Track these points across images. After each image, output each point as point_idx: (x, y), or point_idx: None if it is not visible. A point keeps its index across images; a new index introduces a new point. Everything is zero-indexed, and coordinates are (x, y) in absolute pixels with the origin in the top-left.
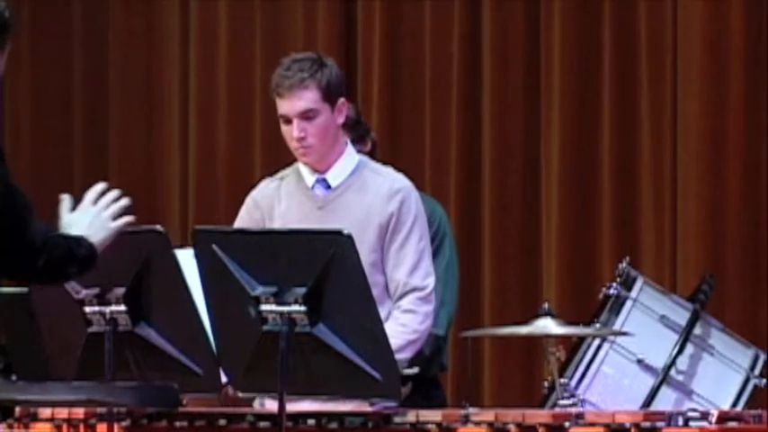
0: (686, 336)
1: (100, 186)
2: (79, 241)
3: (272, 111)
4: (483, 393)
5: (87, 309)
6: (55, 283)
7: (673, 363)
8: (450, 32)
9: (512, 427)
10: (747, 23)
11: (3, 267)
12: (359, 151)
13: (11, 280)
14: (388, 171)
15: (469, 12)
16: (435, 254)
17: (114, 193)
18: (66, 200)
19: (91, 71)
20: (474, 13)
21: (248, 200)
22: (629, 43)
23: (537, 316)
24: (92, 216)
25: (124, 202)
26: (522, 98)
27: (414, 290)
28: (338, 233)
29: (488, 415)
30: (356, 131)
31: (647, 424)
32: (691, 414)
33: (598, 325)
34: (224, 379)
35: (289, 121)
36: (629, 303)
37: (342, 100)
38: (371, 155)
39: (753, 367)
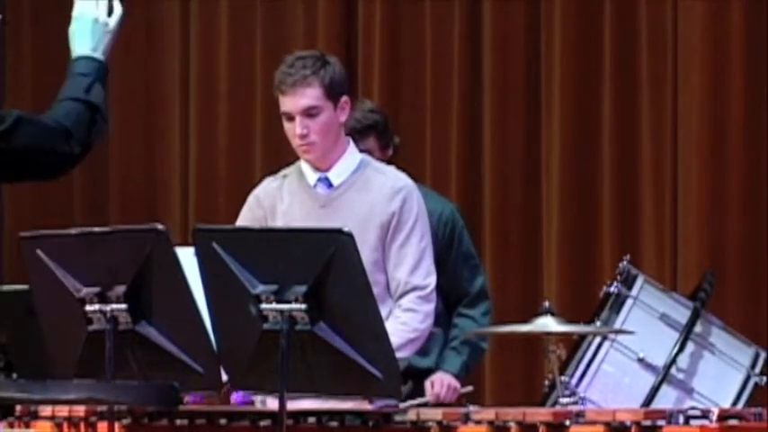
0: (687, 334)
1: None
2: (87, 88)
3: (273, 109)
4: (483, 392)
5: (88, 307)
6: (105, 136)
7: (673, 361)
8: (451, 32)
9: (512, 425)
10: (747, 23)
11: (56, 169)
12: (378, 159)
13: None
14: (390, 170)
15: (470, 11)
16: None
17: None
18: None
19: None
20: (474, 12)
21: (251, 198)
22: (630, 43)
23: (537, 314)
24: (90, 23)
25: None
26: (522, 98)
27: (414, 289)
28: (339, 231)
29: (489, 413)
30: (384, 138)
31: (648, 422)
32: (691, 412)
33: (599, 323)
34: (224, 377)
35: (291, 118)
36: (629, 302)
37: (344, 98)
38: (391, 160)
39: (753, 365)
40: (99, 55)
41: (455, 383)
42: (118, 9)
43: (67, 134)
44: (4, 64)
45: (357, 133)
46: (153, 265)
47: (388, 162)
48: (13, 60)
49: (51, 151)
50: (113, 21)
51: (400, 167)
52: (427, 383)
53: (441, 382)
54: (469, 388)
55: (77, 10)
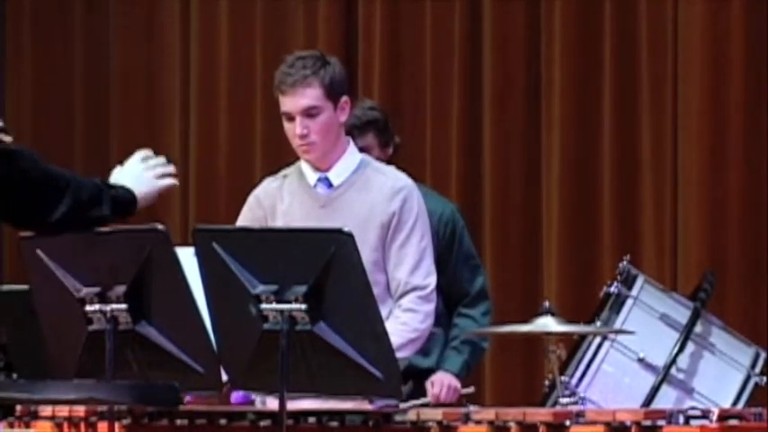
0: (687, 334)
1: (148, 151)
2: (114, 186)
3: (273, 109)
4: (484, 392)
5: (88, 307)
6: (87, 228)
7: (673, 361)
8: (451, 31)
9: (512, 425)
10: (747, 23)
11: (30, 217)
12: (378, 157)
13: (40, 230)
14: (391, 170)
15: (470, 11)
16: (463, 257)
17: (163, 158)
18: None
19: (92, 70)
20: (474, 12)
21: (251, 198)
22: (630, 43)
23: (538, 314)
24: (139, 171)
25: (172, 168)
26: (522, 98)
27: (414, 289)
28: (339, 231)
29: (489, 413)
30: (384, 136)
31: (648, 422)
32: (691, 412)
33: (599, 323)
34: (224, 377)
35: (291, 118)
36: (629, 302)
37: (344, 98)
38: (391, 160)
39: (753, 365)
40: (135, 194)
41: (455, 383)
42: (170, 181)
43: (66, 184)
44: (3, 64)
45: (356, 129)
46: (153, 266)
47: (389, 162)
48: (13, 60)
49: (42, 187)
50: (163, 184)
51: (400, 167)
52: (428, 384)
53: (441, 383)
54: (471, 389)
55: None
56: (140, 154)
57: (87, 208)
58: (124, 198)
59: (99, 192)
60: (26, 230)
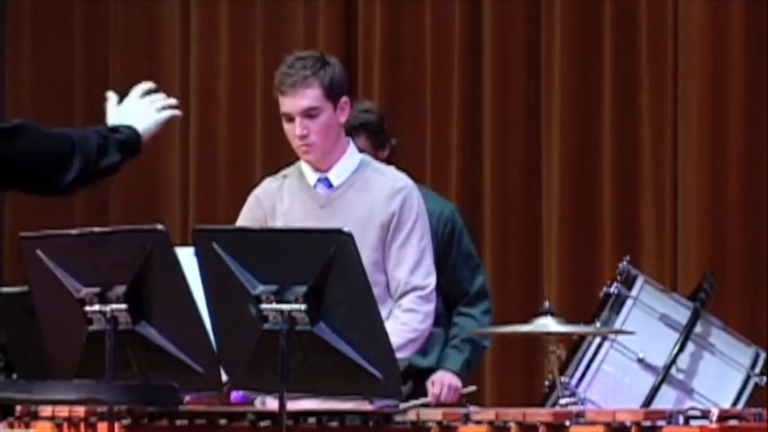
0: (687, 334)
1: (147, 84)
2: (117, 129)
3: (273, 109)
4: (483, 392)
5: (88, 307)
6: (105, 177)
7: (673, 361)
8: (451, 31)
9: (512, 425)
10: (748, 23)
11: (45, 186)
12: (376, 158)
13: (57, 194)
14: (390, 170)
15: (470, 11)
16: (462, 257)
17: (162, 94)
18: (112, 98)
19: (92, 70)
20: (474, 11)
21: (251, 198)
22: (630, 42)
23: (537, 314)
24: (139, 106)
25: (173, 101)
26: (522, 98)
27: (414, 289)
28: (339, 232)
29: (489, 414)
30: (377, 139)
31: (648, 423)
32: (691, 413)
33: (599, 324)
34: (224, 378)
35: (291, 119)
36: (629, 302)
37: (344, 98)
38: (388, 162)
39: (753, 366)
40: (139, 131)
41: (456, 382)
42: (171, 112)
43: (72, 144)
44: (4, 63)
45: (348, 133)
46: (153, 266)
47: (387, 163)
48: (13, 60)
49: (50, 156)
50: (164, 115)
51: (400, 168)
52: (428, 383)
53: (441, 382)
54: (473, 388)
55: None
56: (138, 90)
57: (97, 160)
58: (129, 138)
59: (105, 140)
60: (44, 196)
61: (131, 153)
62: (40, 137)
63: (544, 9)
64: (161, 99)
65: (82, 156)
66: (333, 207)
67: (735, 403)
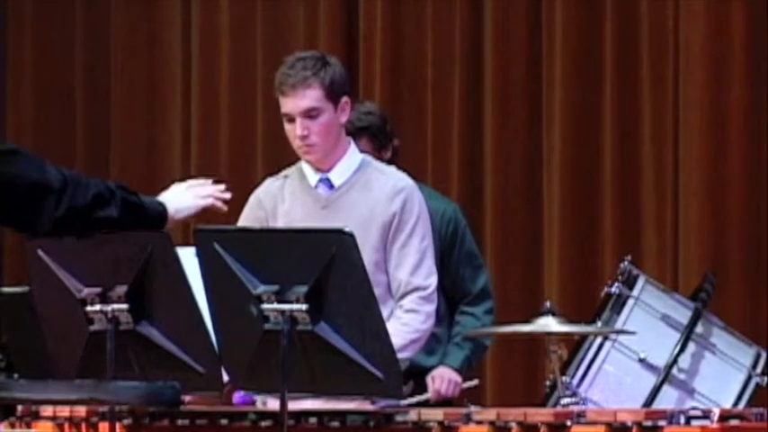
0: (688, 334)
1: (205, 180)
2: (135, 194)
3: (274, 110)
4: (485, 392)
5: (89, 307)
6: (93, 229)
7: (674, 361)
8: (452, 29)
9: (513, 425)
10: (749, 24)
11: (20, 223)
12: (379, 160)
13: (38, 234)
14: (392, 170)
15: (471, 11)
16: (465, 257)
17: (222, 186)
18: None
19: (92, 69)
20: (475, 11)
21: (252, 198)
22: (631, 43)
23: (539, 314)
24: (184, 189)
25: (228, 195)
26: (523, 97)
27: (416, 289)
28: (340, 232)
29: (490, 413)
30: (380, 140)
31: (649, 422)
32: (692, 412)
33: (600, 323)
34: (226, 378)
35: (292, 119)
36: (630, 302)
37: (345, 99)
38: (392, 161)
39: (754, 365)
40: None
41: (456, 378)
42: (210, 200)
43: (63, 183)
44: (4, 63)
45: (350, 135)
46: (154, 266)
47: (389, 163)
48: (13, 60)
49: (34, 186)
50: (204, 202)
51: (401, 168)
52: (428, 379)
53: (441, 378)
54: (475, 382)
55: None
56: (195, 181)
57: (91, 208)
58: (146, 205)
59: (110, 193)
60: (24, 232)
61: (146, 222)
62: (30, 166)
63: (545, 9)
64: (210, 187)
65: (71, 198)
66: (334, 207)
67: (736, 403)
